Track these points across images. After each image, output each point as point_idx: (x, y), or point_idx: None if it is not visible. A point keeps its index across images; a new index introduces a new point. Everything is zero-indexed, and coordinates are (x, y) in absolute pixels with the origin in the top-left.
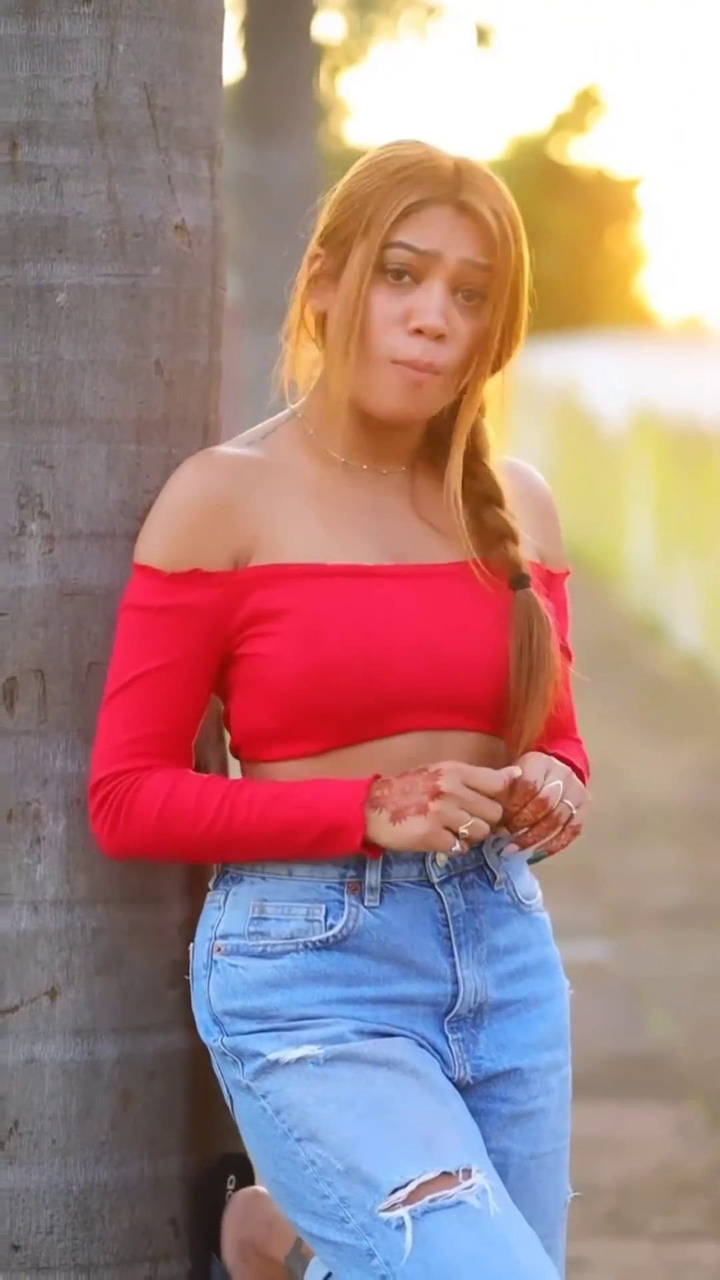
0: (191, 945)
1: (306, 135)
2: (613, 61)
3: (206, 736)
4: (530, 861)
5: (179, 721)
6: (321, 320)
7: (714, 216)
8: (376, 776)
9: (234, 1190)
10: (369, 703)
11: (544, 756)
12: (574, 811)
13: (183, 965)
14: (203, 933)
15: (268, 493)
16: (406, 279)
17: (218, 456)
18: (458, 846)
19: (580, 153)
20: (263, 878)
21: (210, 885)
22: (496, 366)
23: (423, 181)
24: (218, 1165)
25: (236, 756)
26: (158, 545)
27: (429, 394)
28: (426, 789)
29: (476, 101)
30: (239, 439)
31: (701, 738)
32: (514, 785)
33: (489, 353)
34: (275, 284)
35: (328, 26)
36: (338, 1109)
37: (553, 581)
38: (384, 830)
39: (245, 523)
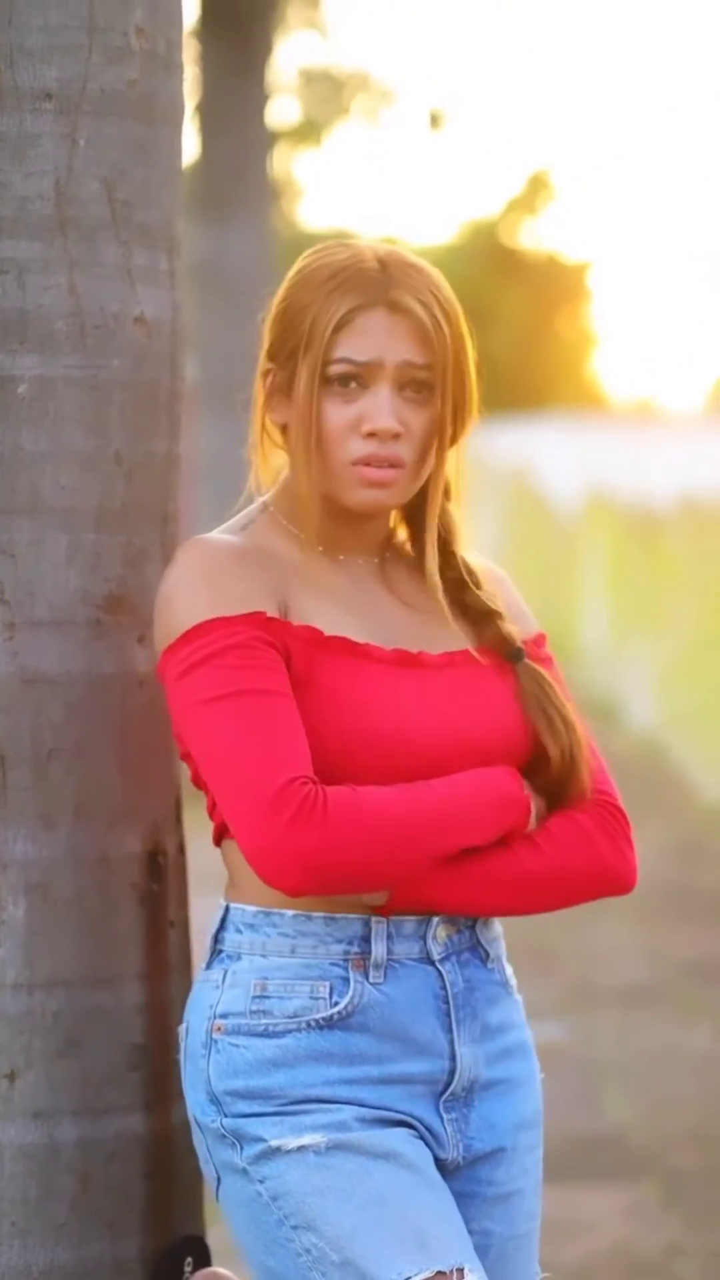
0: (181, 1027)
1: (260, 218)
2: (563, 146)
3: (165, 820)
4: None
5: (302, 739)
6: (283, 430)
7: (664, 300)
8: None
9: (191, 1272)
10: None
11: None
12: None
13: (142, 1048)
14: (198, 1013)
15: (262, 576)
16: (354, 385)
17: (210, 536)
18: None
19: (531, 237)
20: (263, 956)
21: (204, 965)
22: (451, 442)
23: (351, 289)
24: (176, 1247)
25: (219, 844)
26: (208, 599)
27: (396, 487)
28: None
29: (429, 185)
30: (219, 531)
31: (657, 818)
32: None
33: (445, 437)
34: (230, 366)
35: (281, 110)
36: (336, 1200)
37: (534, 645)
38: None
39: (275, 579)
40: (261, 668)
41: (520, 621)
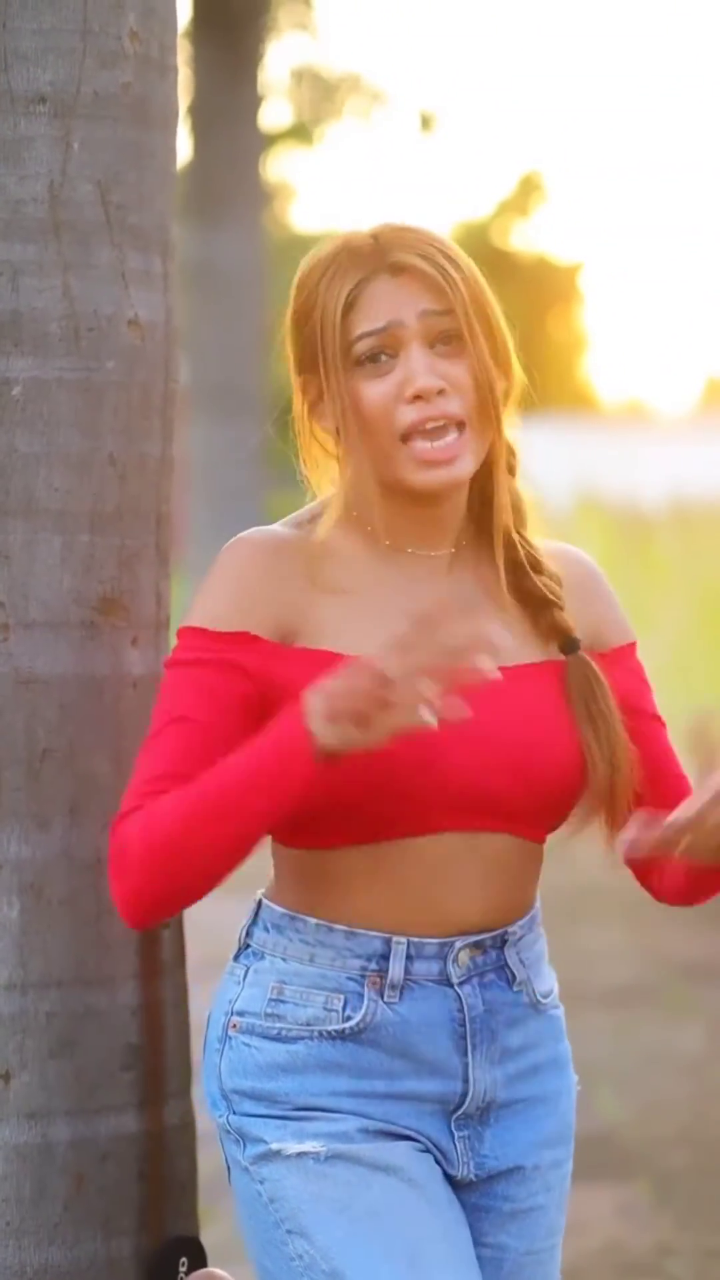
0: (208, 1014)
1: (252, 219)
2: (554, 148)
3: None
4: None
5: (199, 764)
6: (336, 434)
7: (654, 302)
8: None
9: (186, 1273)
10: (401, 803)
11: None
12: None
13: (136, 1048)
14: (219, 1005)
15: (315, 577)
16: (384, 358)
17: (261, 533)
18: (429, 719)
19: (522, 238)
20: (283, 959)
21: (232, 957)
22: (504, 404)
23: (349, 268)
24: (170, 1247)
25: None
26: (210, 607)
27: (460, 459)
28: (374, 684)
29: (420, 187)
30: (288, 520)
31: None
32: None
33: (495, 385)
34: (222, 367)
35: (273, 111)
36: (331, 1210)
37: (620, 656)
38: (354, 738)
39: (295, 599)
40: (202, 692)
41: (607, 627)
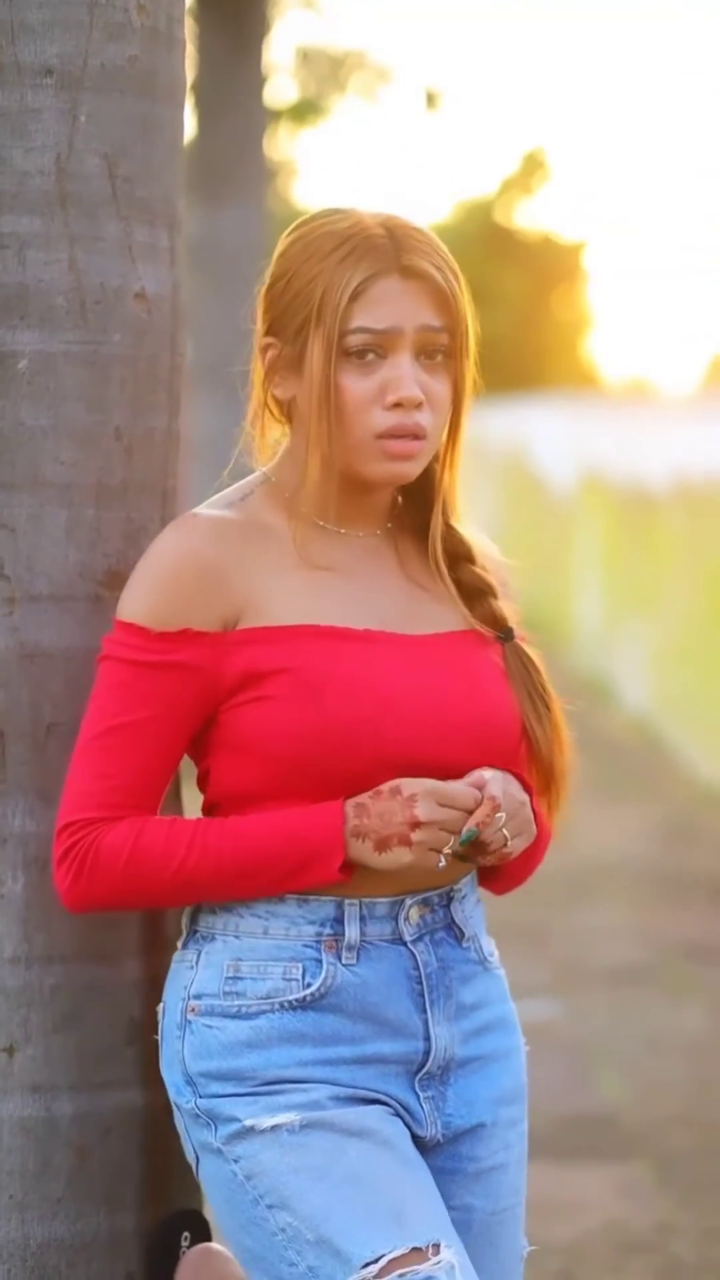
0: (160, 1005)
1: (256, 197)
2: (558, 125)
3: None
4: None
5: (152, 774)
6: (288, 404)
7: (659, 280)
8: (345, 800)
9: (188, 1246)
10: (359, 765)
11: (500, 777)
12: (508, 840)
13: (140, 1023)
14: (173, 993)
15: (253, 555)
16: (371, 356)
17: (202, 519)
18: (443, 863)
19: (526, 216)
20: (236, 937)
21: (179, 944)
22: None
23: (363, 257)
24: (172, 1221)
25: (210, 816)
26: (144, 605)
27: (419, 459)
28: (406, 819)
29: (424, 164)
30: (215, 501)
31: (649, 799)
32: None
33: (463, 406)
34: (224, 345)
35: (277, 89)
36: (310, 1179)
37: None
38: (369, 858)
39: (234, 584)
40: (146, 694)
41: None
